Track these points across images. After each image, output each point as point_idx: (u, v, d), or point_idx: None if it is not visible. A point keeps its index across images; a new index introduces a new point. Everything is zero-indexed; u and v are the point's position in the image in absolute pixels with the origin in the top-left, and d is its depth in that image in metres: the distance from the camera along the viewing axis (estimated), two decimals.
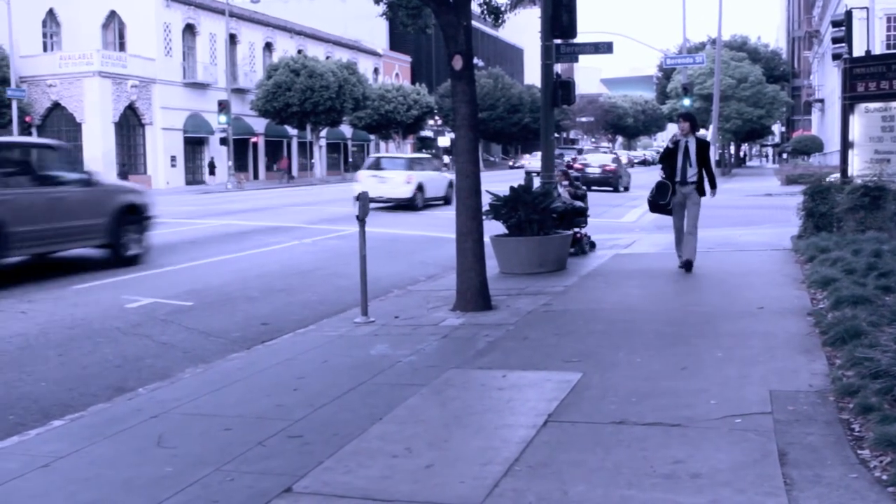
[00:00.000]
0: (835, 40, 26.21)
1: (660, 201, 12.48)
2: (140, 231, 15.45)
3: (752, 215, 23.42)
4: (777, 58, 78.00)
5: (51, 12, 58.13)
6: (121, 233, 14.84)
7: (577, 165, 41.05)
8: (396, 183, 28.11)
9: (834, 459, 4.82)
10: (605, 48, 18.00)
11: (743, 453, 4.96)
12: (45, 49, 57.29)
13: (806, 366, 6.80)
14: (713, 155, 53.71)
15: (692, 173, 12.11)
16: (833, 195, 13.96)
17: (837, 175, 14.86)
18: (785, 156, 71.08)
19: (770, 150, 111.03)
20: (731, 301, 9.83)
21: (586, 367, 7.06)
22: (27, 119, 49.76)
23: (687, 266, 12.06)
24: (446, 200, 28.89)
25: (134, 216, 15.35)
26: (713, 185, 12.54)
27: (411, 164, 29.59)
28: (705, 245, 15.16)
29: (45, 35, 58.30)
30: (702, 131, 69.24)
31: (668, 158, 12.37)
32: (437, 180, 30.49)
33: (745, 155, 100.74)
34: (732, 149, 77.27)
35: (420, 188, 28.56)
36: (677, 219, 12.44)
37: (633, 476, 4.70)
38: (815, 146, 64.21)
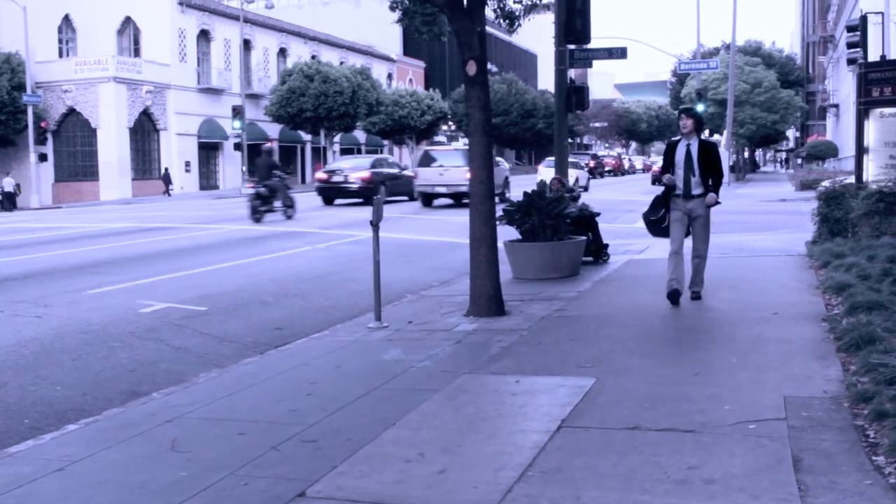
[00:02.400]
0: (850, 45, 26.15)
1: (653, 217, 10.28)
2: None
3: (767, 221, 23.35)
4: (791, 63, 77.77)
5: (66, 18, 58.48)
6: None
7: (320, 175, 35.48)
8: (457, 174, 29.56)
9: (848, 466, 4.80)
10: (618, 53, 18.02)
11: (757, 459, 4.95)
12: (60, 55, 57.66)
13: (820, 372, 6.78)
14: (726, 160, 54.06)
15: (696, 183, 9.92)
16: (848, 200, 13.89)
17: (852, 178, 14.77)
18: (799, 161, 70.82)
19: (784, 155, 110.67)
20: (746, 306, 9.80)
21: (600, 373, 7.05)
22: (43, 124, 50.08)
23: (672, 295, 9.97)
24: (501, 197, 29.24)
25: None
26: (716, 189, 10.15)
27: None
28: (719, 251, 15.12)
29: (60, 41, 58.64)
30: (715, 137, 69.13)
31: (667, 164, 10.21)
32: (497, 173, 31.69)
33: (759, 160, 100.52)
34: (746, 154, 77.05)
35: None
36: (675, 235, 10.08)
37: (646, 482, 4.70)
38: (829, 151, 63.94)
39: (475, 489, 4.74)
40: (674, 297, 9.92)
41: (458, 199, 29.54)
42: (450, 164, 30.72)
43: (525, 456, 5.20)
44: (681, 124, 10.14)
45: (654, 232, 10.46)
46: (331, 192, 33.87)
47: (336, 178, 33.80)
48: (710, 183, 10.00)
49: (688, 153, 9.92)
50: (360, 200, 31.69)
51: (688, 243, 10.18)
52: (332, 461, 5.24)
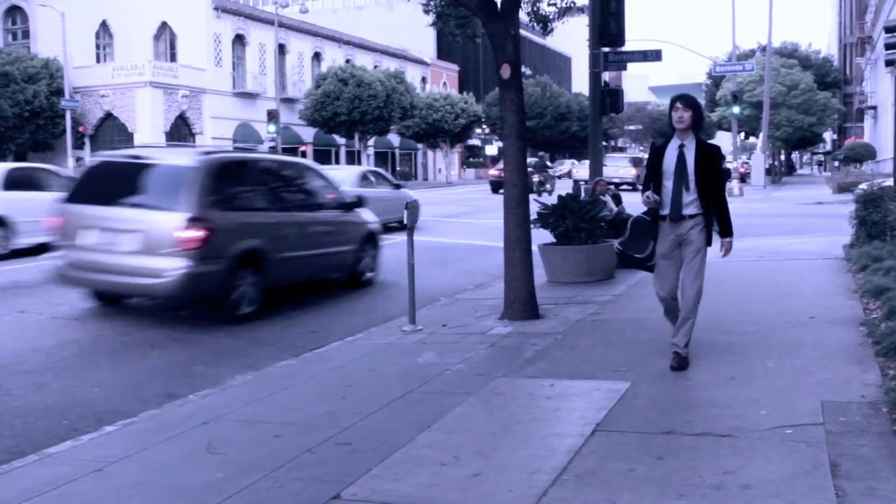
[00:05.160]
0: (888, 46, 25.81)
1: (631, 252, 7.63)
2: None
3: (803, 224, 23.17)
4: (828, 64, 77.13)
5: (104, 24, 59.07)
6: None
7: None
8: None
9: (887, 472, 4.75)
10: (653, 56, 17.93)
11: (794, 464, 4.91)
12: (98, 60, 58.25)
13: (858, 376, 6.71)
14: (761, 164, 53.66)
15: (691, 201, 7.19)
16: (886, 203, 13.76)
17: (890, 181, 14.62)
18: (836, 163, 70.18)
19: (821, 158, 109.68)
20: (782, 311, 9.73)
21: (635, 377, 7.02)
22: (80, 129, 50.64)
23: (677, 362, 7.35)
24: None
25: None
26: (725, 226, 7.45)
27: None
28: (755, 254, 15.03)
29: (98, 46, 59.24)
30: (751, 139, 68.49)
31: (653, 174, 7.39)
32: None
33: (795, 163, 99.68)
34: (783, 157, 76.44)
35: None
36: (665, 277, 7.41)
37: (682, 486, 4.67)
38: (867, 154, 63.32)
39: (510, 493, 4.73)
40: (677, 361, 7.38)
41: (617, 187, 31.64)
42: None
43: (560, 460, 5.19)
44: (674, 117, 7.25)
45: (636, 266, 7.91)
46: None
47: None
48: (710, 204, 7.26)
49: (681, 158, 7.19)
50: None
51: None
52: (367, 464, 5.25)
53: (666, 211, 7.25)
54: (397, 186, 25.87)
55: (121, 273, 10.40)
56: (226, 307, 10.62)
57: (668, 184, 7.22)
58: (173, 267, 10.11)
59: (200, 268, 10.22)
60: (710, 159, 7.26)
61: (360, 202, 13.99)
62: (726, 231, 7.46)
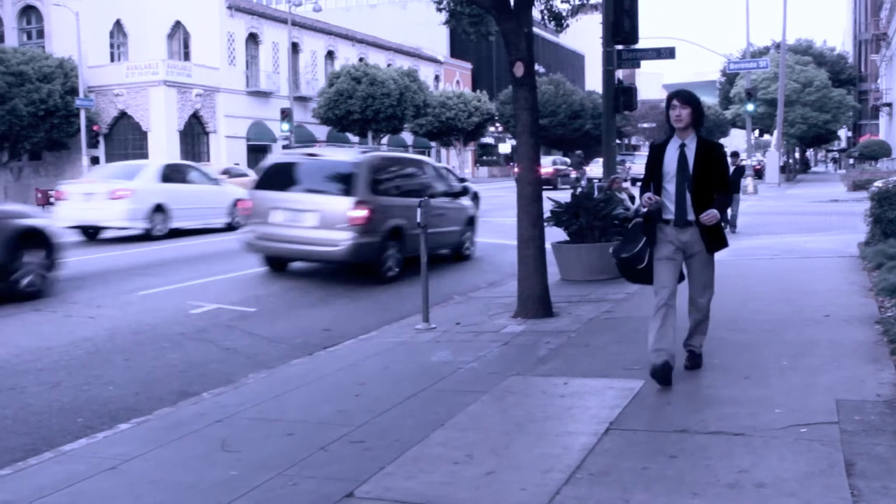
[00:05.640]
0: None
1: (625, 255, 6.99)
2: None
3: (818, 222, 23.07)
4: (843, 61, 76.80)
5: (118, 23, 59.28)
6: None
7: None
8: None
9: None
10: (667, 53, 17.89)
11: (808, 463, 4.89)
12: (112, 59, 58.46)
13: (873, 375, 6.68)
14: (775, 161, 53.45)
15: (695, 204, 6.63)
16: None
17: None
18: (851, 161, 69.88)
19: (836, 155, 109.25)
20: (797, 309, 9.69)
21: (648, 375, 7.00)
22: (95, 128, 50.79)
23: (660, 373, 6.59)
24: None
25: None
26: (721, 211, 6.75)
27: None
28: (770, 252, 14.98)
29: (112, 46, 59.46)
30: (765, 137, 68.08)
31: (652, 175, 6.86)
32: None
33: (810, 160, 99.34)
34: (797, 154, 76.18)
35: None
36: (664, 282, 6.72)
37: (696, 485, 4.66)
38: (882, 151, 63.06)
39: (523, 491, 4.73)
40: (662, 374, 6.60)
41: None
42: None
43: (573, 458, 5.18)
44: (672, 116, 6.73)
45: (630, 275, 7.16)
46: None
47: None
48: (713, 200, 6.68)
49: (682, 158, 6.68)
50: None
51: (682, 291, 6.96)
52: (380, 462, 5.26)
53: (669, 216, 6.71)
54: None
55: (303, 243, 13.50)
56: (380, 271, 13.64)
57: (670, 187, 6.70)
58: (345, 238, 13.13)
59: (364, 239, 13.16)
60: (713, 158, 6.71)
61: (465, 191, 17.59)
62: (721, 210, 6.74)
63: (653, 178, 6.82)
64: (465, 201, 17.19)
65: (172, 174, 22.68)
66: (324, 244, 13.19)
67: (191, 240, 20.60)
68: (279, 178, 14.40)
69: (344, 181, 13.50)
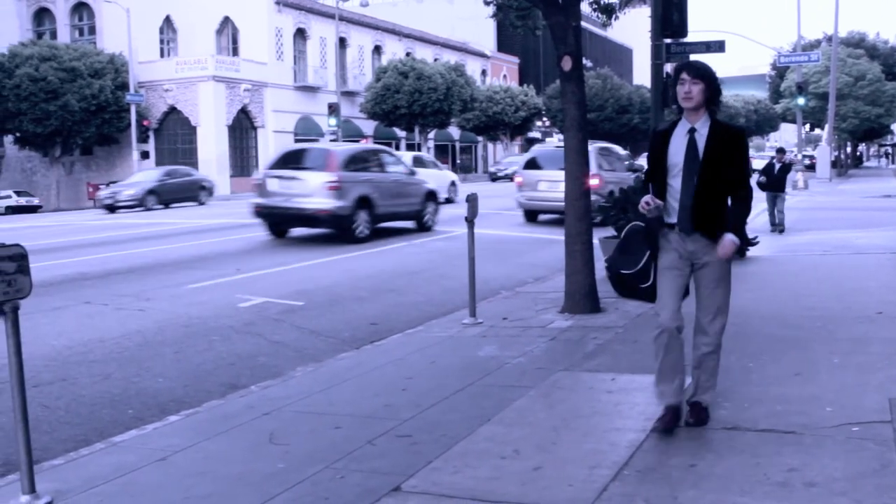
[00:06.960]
0: None
1: (617, 268, 5.76)
2: None
3: (870, 217, 22.73)
4: None
5: (167, 19, 59.91)
6: None
7: None
8: None
9: None
10: (716, 47, 17.67)
11: (860, 463, 4.82)
12: (161, 55, 59.13)
13: None
14: (826, 156, 52.68)
15: (705, 204, 5.29)
16: None
17: None
18: None
19: (889, 150, 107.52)
20: (848, 305, 9.56)
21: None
22: (145, 123, 51.46)
23: (668, 420, 5.50)
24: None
25: None
26: (740, 233, 5.38)
27: None
28: (821, 248, 14.80)
29: (162, 41, 60.12)
30: (816, 131, 67.34)
31: (655, 169, 5.48)
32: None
33: (862, 155, 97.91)
34: (849, 149, 75.12)
35: None
36: (665, 300, 5.46)
37: (745, 483, 4.61)
38: None
39: (570, 487, 4.71)
40: (670, 421, 5.51)
41: None
42: None
43: (621, 454, 5.15)
44: (680, 92, 5.33)
45: (627, 292, 5.94)
46: None
47: None
48: (727, 206, 5.35)
49: (691, 146, 5.30)
50: None
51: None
52: (427, 456, 5.26)
53: (673, 219, 5.38)
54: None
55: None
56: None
57: (675, 182, 5.33)
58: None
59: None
60: (731, 147, 5.31)
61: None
62: (737, 232, 5.29)
63: (655, 173, 5.48)
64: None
65: (420, 162, 31.18)
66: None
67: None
68: (537, 160, 23.04)
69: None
